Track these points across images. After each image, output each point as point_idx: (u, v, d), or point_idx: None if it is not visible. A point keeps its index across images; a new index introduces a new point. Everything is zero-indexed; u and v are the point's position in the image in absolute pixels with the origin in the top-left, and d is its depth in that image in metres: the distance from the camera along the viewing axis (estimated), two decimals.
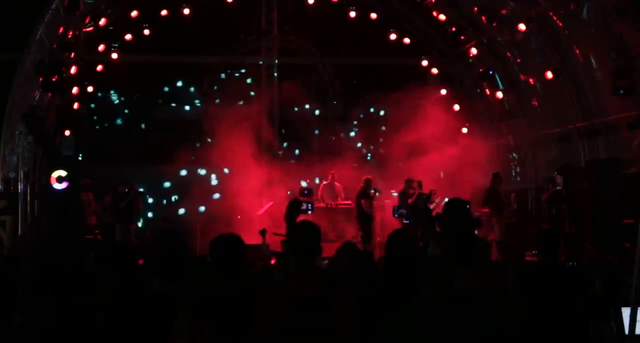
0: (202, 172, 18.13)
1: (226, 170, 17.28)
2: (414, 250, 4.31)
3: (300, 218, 14.56)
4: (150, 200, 18.11)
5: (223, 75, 18.64)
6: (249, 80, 18.67)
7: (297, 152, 18.88)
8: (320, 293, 3.61)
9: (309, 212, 14.85)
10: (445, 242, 4.80)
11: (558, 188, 14.45)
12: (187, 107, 19.14)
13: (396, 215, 14.75)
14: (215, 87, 18.47)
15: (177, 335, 3.52)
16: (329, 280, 3.85)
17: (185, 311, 3.55)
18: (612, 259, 9.83)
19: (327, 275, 3.98)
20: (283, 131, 18.22)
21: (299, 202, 14.75)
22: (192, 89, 19.16)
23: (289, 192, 16.38)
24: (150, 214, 18.02)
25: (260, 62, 18.09)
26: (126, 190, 14.90)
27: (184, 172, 18.05)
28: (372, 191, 15.44)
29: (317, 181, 17.49)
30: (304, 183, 17.19)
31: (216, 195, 17.24)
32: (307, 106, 19.50)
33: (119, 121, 18.94)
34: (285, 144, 18.59)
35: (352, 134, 19.24)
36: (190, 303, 3.59)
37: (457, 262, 4.57)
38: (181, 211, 17.55)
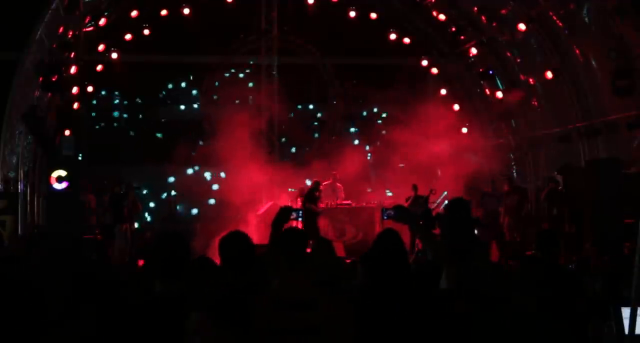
0: (202, 171, 18.13)
1: (226, 170, 17.29)
2: (400, 246, 4.35)
3: (288, 225, 14.45)
4: (150, 200, 18.11)
5: (223, 75, 18.62)
6: (247, 79, 18.68)
7: (296, 152, 18.89)
8: (310, 295, 3.67)
9: (299, 219, 14.64)
10: (437, 245, 4.80)
11: (559, 188, 14.48)
12: (187, 107, 19.13)
13: (385, 217, 14.42)
14: (215, 87, 18.46)
15: (192, 335, 3.53)
16: (319, 282, 3.92)
17: (199, 310, 3.57)
18: (611, 259, 9.83)
19: (318, 277, 4.05)
20: (283, 132, 18.21)
21: (289, 210, 14.20)
22: (192, 89, 19.16)
23: (290, 190, 16.33)
24: (150, 214, 18.02)
25: (260, 62, 18.09)
26: (122, 190, 14.91)
27: (183, 172, 18.05)
28: (318, 192, 15.36)
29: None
30: (308, 182, 17.03)
31: (216, 195, 17.23)
32: (307, 106, 19.52)
33: (118, 121, 18.94)
34: (285, 145, 18.59)
35: (352, 133, 19.23)
36: (203, 302, 3.62)
37: (457, 262, 4.58)
38: (181, 211, 17.55)
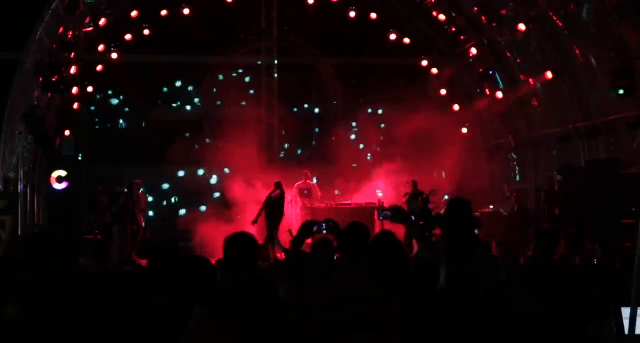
0: (202, 172, 18.12)
1: (226, 171, 17.27)
2: (397, 250, 4.37)
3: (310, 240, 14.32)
4: (150, 200, 18.09)
5: (223, 76, 18.61)
6: (247, 79, 18.68)
7: (296, 151, 18.87)
8: (366, 290, 3.83)
9: (323, 232, 14.22)
10: (433, 245, 4.81)
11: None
12: (187, 107, 19.13)
13: (381, 218, 13.81)
14: (215, 87, 18.45)
15: (195, 330, 3.56)
16: (375, 278, 4.00)
17: (205, 305, 3.61)
18: (612, 259, 9.85)
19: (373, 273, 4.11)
20: (283, 131, 18.20)
21: (311, 224, 13.97)
22: (192, 89, 19.15)
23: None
24: (149, 214, 17.99)
25: (260, 62, 18.08)
26: (125, 190, 14.87)
27: (183, 173, 18.04)
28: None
29: (314, 181, 17.33)
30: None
31: (216, 195, 17.22)
32: (307, 106, 19.51)
33: (118, 121, 18.94)
34: (285, 144, 18.58)
35: (352, 134, 19.22)
36: (206, 297, 3.67)
37: (457, 261, 4.58)
38: (181, 211, 17.53)
